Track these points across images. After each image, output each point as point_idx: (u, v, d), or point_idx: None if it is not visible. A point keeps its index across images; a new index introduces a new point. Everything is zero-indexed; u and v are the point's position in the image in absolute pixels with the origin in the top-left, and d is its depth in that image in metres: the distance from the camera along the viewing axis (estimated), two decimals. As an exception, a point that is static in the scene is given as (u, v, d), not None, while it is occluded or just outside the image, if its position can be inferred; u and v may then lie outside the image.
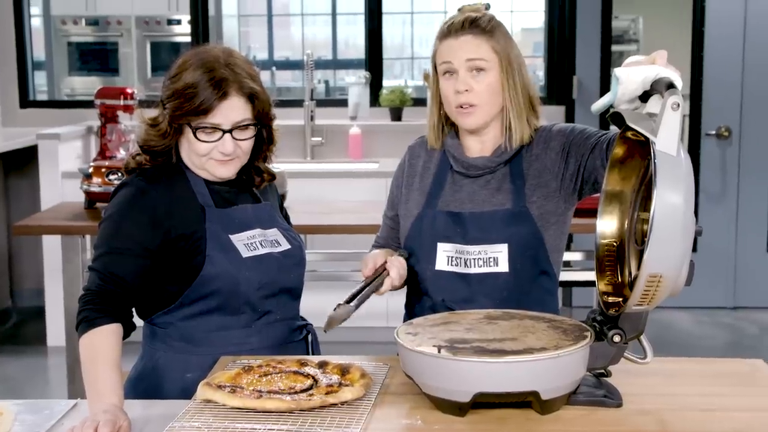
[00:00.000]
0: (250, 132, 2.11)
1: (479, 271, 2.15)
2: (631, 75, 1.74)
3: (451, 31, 2.17)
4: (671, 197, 1.59)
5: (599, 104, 1.83)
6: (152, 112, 2.16)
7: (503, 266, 2.14)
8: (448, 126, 2.27)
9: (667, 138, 1.61)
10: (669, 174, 1.60)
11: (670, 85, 1.67)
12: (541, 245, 2.17)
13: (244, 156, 2.14)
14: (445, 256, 2.17)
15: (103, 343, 1.90)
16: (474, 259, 2.15)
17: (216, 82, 2.03)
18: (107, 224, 2.07)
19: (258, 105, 2.10)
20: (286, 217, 2.38)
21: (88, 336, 1.91)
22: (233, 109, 2.05)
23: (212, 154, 2.08)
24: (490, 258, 2.14)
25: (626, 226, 1.85)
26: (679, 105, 1.62)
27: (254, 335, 2.13)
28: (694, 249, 5.80)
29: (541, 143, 2.20)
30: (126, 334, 1.98)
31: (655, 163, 1.60)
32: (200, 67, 2.05)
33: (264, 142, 2.20)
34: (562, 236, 2.23)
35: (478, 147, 2.22)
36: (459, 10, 2.23)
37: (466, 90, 2.14)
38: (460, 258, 2.16)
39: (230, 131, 2.06)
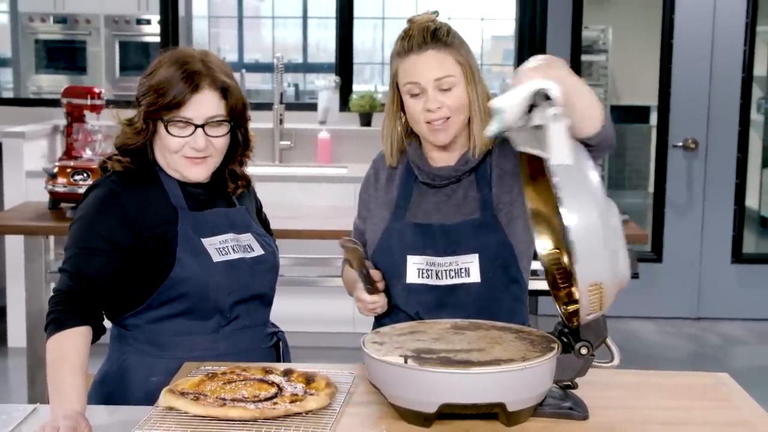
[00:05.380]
0: (224, 129, 2.10)
1: (451, 282, 2.12)
2: (509, 101, 1.69)
3: (412, 46, 2.11)
4: (581, 209, 1.58)
5: (490, 132, 1.75)
6: (124, 113, 2.16)
7: (475, 276, 2.12)
8: (408, 139, 2.23)
9: (558, 150, 1.60)
10: (572, 186, 1.59)
11: (548, 97, 1.65)
12: (511, 253, 2.15)
13: (217, 156, 2.12)
14: (416, 269, 2.14)
15: (70, 347, 1.87)
16: (445, 270, 2.13)
17: (188, 74, 2.04)
18: (78, 225, 2.05)
19: (231, 101, 2.10)
20: (265, 223, 2.37)
21: (56, 338, 1.88)
22: (205, 104, 2.06)
23: (184, 151, 2.07)
24: (461, 269, 2.12)
25: (560, 239, 1.84)
26: (558, 115, 1.61)
27: (222, 341, 2.11)
28: (660, 259, 5.86)
29: (500, 148, 2.18)
30: (95, 337, 1.95)
31: (554, 182, 1.59)
32: (174, 63, 2.07)
33: (239, 146, 2.19)
34: (530, 243, 2.20)
35: (444, 156, 2.20)
36: (409, 21, 2.16)
37: (439, 107, 2.10)
38: (431, 270, 2.14)
39: (202, 126, 2.06)
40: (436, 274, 2.12)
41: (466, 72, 2.13)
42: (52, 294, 1.97)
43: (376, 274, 2.13)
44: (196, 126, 2.05)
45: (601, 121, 1.84)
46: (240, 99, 2.13)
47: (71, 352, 1.86)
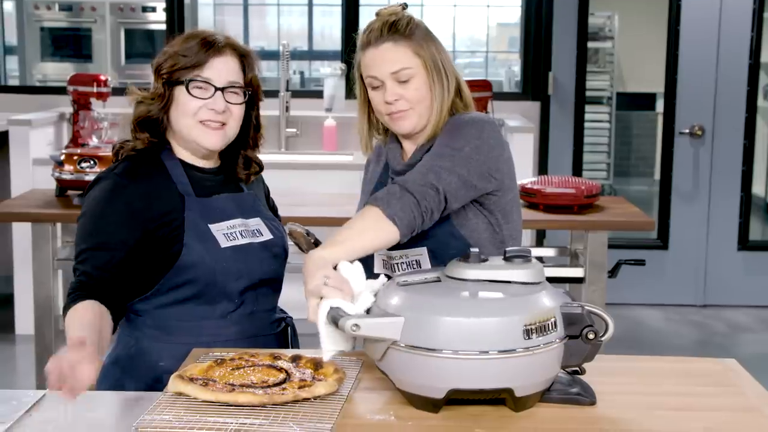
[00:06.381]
0: (241, 98, 2.13)
1: None
2: (323, 340, 1.77)
3: (370, 40, 2.11)
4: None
5: (328, 357, 1.82)
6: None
7: (426, 268, 2.10)
8: (381, 130, 2.24)
9: (391, 330, 1.67)
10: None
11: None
12: (463, 243, 2.08)
13: (234, 125, 2.14)
14: (380, 260, 2.16)
15: (83, 308, 1.90)
16: (397, 263, 2.13)
17: (211, 39, 2.10)
18: (85, 221, 2.06)
19: (249, 74, 2.15)
20: (273, 210, 2.38)
21: (71, 309, 1.91)
22: (226, 67, 2.10)
23: (201, 114, 2.08)
24: (412, 261, 2.12)
25: None
26: (357, 326, 1.66)
27: (230, 326, 2.12)
28: (666, 246, 5.86)
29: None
30: (114, 319, 1.98)
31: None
32: (195, 34, 2.13)
33: (252, 129, 2.21)
34: (498, 226, 2.14)
35: (416, 150, 2.18)
36: (376, 14, 2.16)
37: (396, 99, 2.10)
38: (389, 263, 2.15)
39: (222, 90, 2.09)
40: (392, 267, 2.14)
41: (426, 64, 2.10)
42: (69, 290, 2.00)
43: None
44: (216, 88, 2.08)
45: (395, 232, 1.92)
46: (256, 68, 2.18)
47: (82, 311, 1.90)
